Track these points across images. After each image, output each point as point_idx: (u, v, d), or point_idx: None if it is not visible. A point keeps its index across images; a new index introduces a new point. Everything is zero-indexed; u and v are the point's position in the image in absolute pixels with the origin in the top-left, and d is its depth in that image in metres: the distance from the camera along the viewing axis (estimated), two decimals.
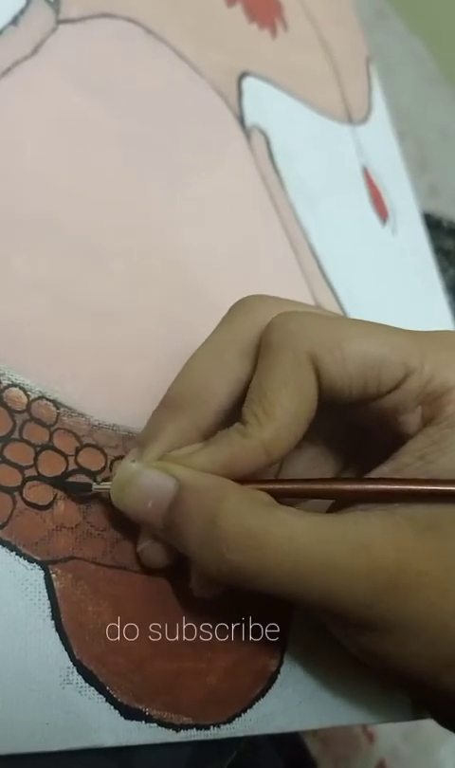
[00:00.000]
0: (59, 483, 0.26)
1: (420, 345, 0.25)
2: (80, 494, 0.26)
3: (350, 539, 0.24)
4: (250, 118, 0.39)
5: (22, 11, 0.31)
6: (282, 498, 0.25)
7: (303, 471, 0.29)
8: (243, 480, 0.25)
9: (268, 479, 0.27)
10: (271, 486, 0.26)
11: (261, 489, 0.25)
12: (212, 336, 0.27)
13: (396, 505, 0.25)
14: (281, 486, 0.26)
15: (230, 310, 0.28)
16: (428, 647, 0.24)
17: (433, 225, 0.69)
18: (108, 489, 0.26)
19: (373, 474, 0.26)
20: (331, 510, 0.27)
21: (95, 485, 0.26)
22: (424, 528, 0.25)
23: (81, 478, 0.26)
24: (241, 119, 0.38)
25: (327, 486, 0.26)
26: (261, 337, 0.26)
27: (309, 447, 0.29)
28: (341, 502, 0.26)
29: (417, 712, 0.32)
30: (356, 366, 0.25)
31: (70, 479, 0.26)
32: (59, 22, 0.32)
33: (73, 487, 0.26)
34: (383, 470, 0.26)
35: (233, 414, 0.26)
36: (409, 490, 0.25)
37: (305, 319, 0.26)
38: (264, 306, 0.27)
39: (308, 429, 0.26)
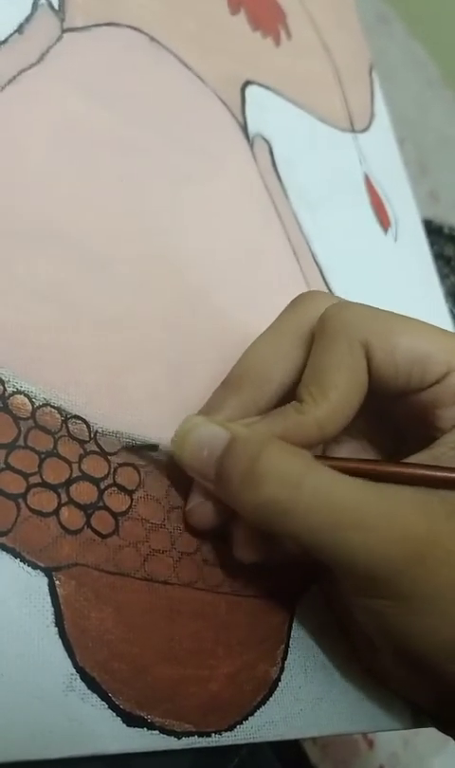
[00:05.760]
0: (127, 448, 0.28)
1: None
2: (148, 456, 0.28)
3: (384, 504, 0.25)
4: (253, 127, 0.39)
5: (27, 20, 0.31)
6: None
7: None
8: None
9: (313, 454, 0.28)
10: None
11: None
12: (272, 325, 0.30)
13: (426, 489, 0.26)
14: (324, 462, 0.27)
15: (289, 304, 0.30)
16: (447, 626, 0.25)
17: (434, 231, 0.70)
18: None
19: (411, 460, 0.27)
20: None
21: (162, 446, 0.28)
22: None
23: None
24: (244, 128, 0.39)
25: (368, 466, 0.27)
26: (315, 326, 0.28)
27: (349, 440, 0.30)
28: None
29: (416, 720, 0.32)
30: (404, 358, 0.27)
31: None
32: (64, 30, 0.33)
33: (141, 449, 0.28)
34: (420, 458, 0.28)
35: (289, 397, 0.28)
36: (445, 477, 0.26)
37: (359, 309, 0.28)
38: (319, 300, 0.29)
39: (349, 424, 0.28)
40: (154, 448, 0.28)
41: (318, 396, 0.27)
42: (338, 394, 0.27)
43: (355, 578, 0.26)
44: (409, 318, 0.28)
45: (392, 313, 0.28)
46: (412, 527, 0.25)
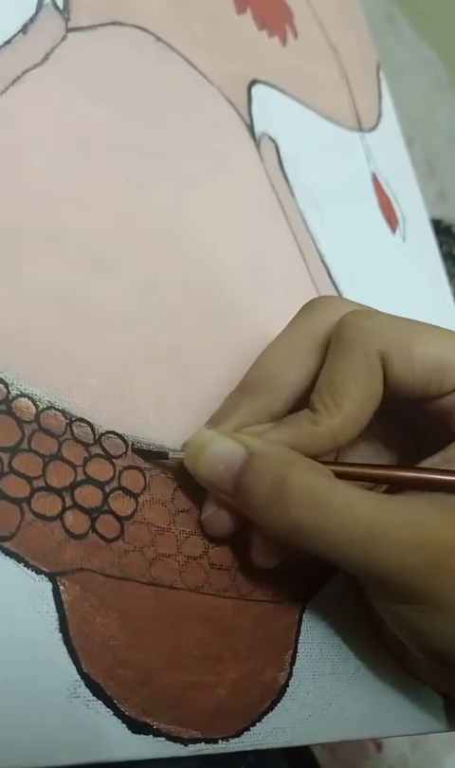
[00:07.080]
0: (135, 450, 0.27)
1: None
2: (155, 461, 0.28)
3: (404, 514, 0.26)
4: (260, 126, 0.39)
5: (32, 20, 0.31)
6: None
7: None
8: None
9: (328, 461, 0.28)
10: (332, 468, 0.27)
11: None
12: (287, 329, 0.30)
13: (442, 495, 0.27)
14: (340, 469, 0.27)
15: (303, 308, 0.30)
16: None
17: (443, 231, 0.69)
18: (182, 457, 0.27)
19: (424, 464, 0.28)
20: None
21: (171, 454, 0.27)
22: None
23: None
24: (251, 127, 0.38)
25: (383, 472, 0.28)
26: (331, 332, 0.28)
27: (365, 444, 0.30)
28: (392, 489, 0.28)
29: (426, 724, 0.32)
30: (423, 367, 0.27)
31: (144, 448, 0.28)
32: (69, 30, 0.32)
33: (150, 455, 0.28)
34: (434, 461, 0.28)
35: (301, 402, 0.28)
36: None
37: (377, 318, 0.28)
38: (335, 306, 0.29)
39: (365, 428, 0.28)
40: (163, 455, 0.28)
41: (332, 407, 0.27)
42: (353, 405, 0.27)
43: (382, 587, 0.26)
44: (428, 324, 0.28)
45: (410, 320, 0.28)
46: (432, 536, 0.25)
